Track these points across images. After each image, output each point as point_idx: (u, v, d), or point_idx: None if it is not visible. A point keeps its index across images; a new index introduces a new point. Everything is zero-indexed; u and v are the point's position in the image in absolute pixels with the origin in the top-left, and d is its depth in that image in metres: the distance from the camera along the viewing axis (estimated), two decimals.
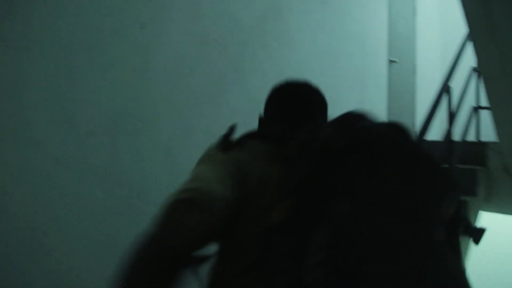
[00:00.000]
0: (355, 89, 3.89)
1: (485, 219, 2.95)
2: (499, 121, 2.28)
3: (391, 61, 4.54)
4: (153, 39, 2.17)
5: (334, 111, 3.07)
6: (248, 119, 2.74)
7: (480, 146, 3.01)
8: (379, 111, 4.33)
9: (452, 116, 2.69)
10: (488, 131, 3.32)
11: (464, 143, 2.86)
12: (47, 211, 1.80)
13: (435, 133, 3.74)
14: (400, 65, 4.78)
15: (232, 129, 0.79)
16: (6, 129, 1.68)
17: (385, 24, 4.48)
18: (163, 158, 2.25)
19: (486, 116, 2.97)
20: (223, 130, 0.82)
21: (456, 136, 2.75)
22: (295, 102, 0.89)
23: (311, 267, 0.48)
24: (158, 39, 2.19)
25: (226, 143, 0.75)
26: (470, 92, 3.09)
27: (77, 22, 1.87)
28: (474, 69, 3.21)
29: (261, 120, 0.93)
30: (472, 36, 1.84)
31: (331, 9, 3.52)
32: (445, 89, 2.51)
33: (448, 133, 2.64)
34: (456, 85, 4.98)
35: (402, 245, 0.49)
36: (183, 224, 0.58)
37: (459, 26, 5.63)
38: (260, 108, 1.08)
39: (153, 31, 2.17)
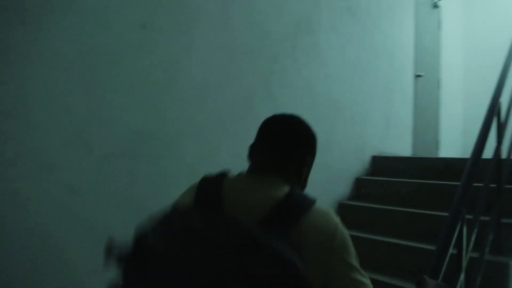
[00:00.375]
0: (382, 104, 3.67)
1: None
2: None
3: (417, 76, 4.32)
4: (180, 53, 1.97)
5: (363, 127, 2.82)
6: None
7: None
8: (406, 126, 4.10)
9: (501, 133, 2.45)
10: None
11: None
12: (60, 244, 1.58)
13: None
14: (426, 79, 4.56)
15: None
16: (15, 153, 1.47)
17: (412, 38, 4.28)
18: (187, 182, 2.02)
19: None
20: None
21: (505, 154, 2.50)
22: (273, 135, 0.93)
23: None
24: (185, 53, 2.00)
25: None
26: None
27: (101, 35, 1.68)
28: None
29: (250, 149, 0.96)
30: None
31: (361, 23, 3.33)
32: (495, 106, 2.28)
33: (497, 151, 2.39)
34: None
35: None
36: None
37: (483, 38, 5.47)
38: None
39: (181, 44, 1.97)
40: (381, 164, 3.43)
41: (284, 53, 2.52)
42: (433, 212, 2.70)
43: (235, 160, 2.23)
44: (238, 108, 2.25)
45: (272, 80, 2.43)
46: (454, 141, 5.42)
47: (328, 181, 2.95)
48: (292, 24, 2.59)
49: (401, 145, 4.00)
